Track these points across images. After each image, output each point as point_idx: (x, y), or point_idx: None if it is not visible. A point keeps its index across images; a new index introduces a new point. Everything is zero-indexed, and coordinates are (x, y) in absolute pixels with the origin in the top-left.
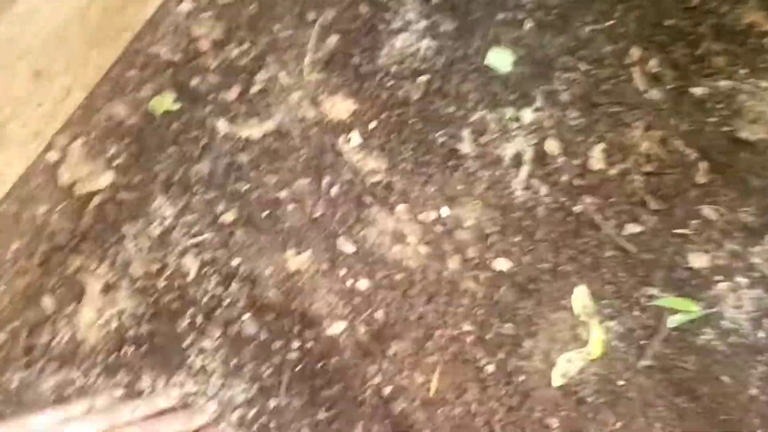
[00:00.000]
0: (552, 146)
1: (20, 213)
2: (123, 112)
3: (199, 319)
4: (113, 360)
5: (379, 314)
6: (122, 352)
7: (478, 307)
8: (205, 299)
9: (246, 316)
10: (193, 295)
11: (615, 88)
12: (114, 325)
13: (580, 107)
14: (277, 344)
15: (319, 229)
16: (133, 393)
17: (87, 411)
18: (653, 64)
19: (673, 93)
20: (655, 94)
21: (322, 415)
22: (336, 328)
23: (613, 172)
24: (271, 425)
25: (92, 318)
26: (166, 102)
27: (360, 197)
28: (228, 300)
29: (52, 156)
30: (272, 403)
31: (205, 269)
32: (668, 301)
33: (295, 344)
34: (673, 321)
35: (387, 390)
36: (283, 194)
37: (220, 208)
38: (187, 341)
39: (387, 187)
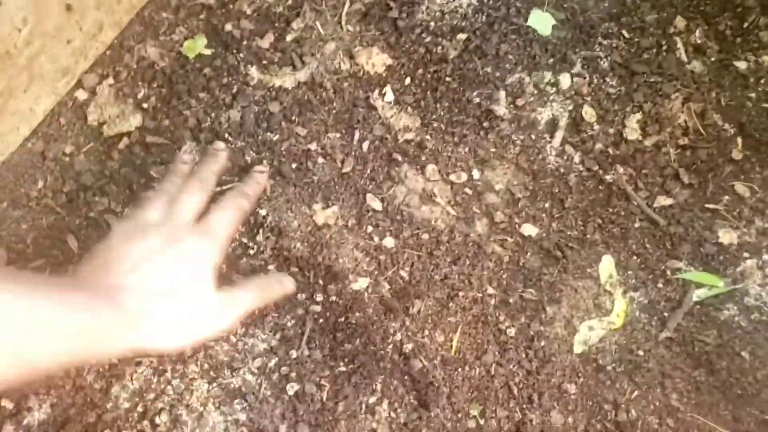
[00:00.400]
0: (588, 113)
1: (47, 151)
2: (154, 54)
3: (223, 268)
4: None
5: (404, 272)
6: None
7: (503, 270)
8: (229, 247)
9: (271, 267)
10: None
11: (656, 57)
12: None
13: (620, 75)
14: (301, 296)
15: (348, 184)
16: None
17: None
18: (697, 35)
19: (715, 66)
20: (697, 66)
21: (342, 368)
22: (360, 284)
23: (648, 143)
24: (292, 375)
25: None
26: (198, 46)
27: (391, 154)
28: (253, 250)
29: (81, 95)
30: (293, 354)
31: None
32: (694, 275)
33: (319, 297)
34: (697, 295)
35: (408, 347)
36: (313, 147)
37: (249, 157)
38: None
39: (419, 145)
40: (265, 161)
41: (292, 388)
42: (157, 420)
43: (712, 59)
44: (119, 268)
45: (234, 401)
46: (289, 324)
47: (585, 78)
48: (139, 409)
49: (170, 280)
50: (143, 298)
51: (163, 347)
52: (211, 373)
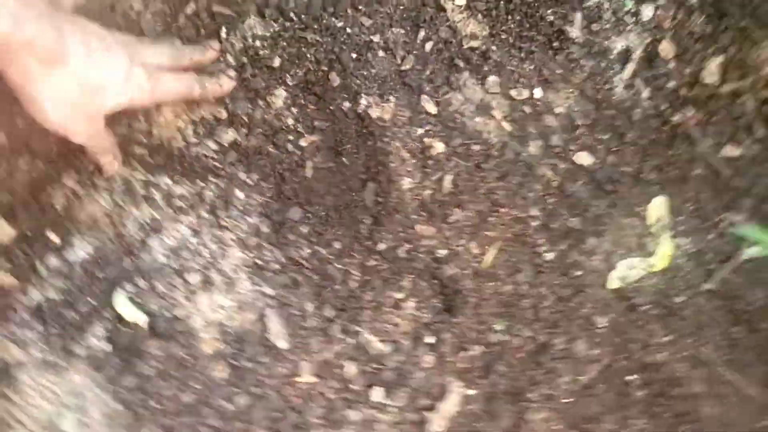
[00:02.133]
0: (666, 49)
1: (115, 4)
2: None
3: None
4: None
5: (448, 179)
6: None
7: (549, 195)
8: (281, 125)
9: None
10: (270, 122)
11: (752, 2)
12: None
13: (708, 14)
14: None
15: (405, 82)
16: None
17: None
18: None
19: None
20: None
21: (373, 262)
22: (404, 184)
23: (725, 89)
24: (325, 261)
25: (171, 119)
26: None
27: (453, 59)
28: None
29: None
30: (331, 243)
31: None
32: (751, 231)
33: (367, 193)
34: (749, 253)
35: (441, 252)
36: (375, 39)
37: (310, 39)
38: None
39: (483, 55)
40: (325, 46)
41: (324, 272)
42: (190, 279)
43: None
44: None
45: (266, 274)
46: (322, 211)
47: (669, 12)
48: (173, 265)
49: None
50: None
51: None
52: (248, 243)
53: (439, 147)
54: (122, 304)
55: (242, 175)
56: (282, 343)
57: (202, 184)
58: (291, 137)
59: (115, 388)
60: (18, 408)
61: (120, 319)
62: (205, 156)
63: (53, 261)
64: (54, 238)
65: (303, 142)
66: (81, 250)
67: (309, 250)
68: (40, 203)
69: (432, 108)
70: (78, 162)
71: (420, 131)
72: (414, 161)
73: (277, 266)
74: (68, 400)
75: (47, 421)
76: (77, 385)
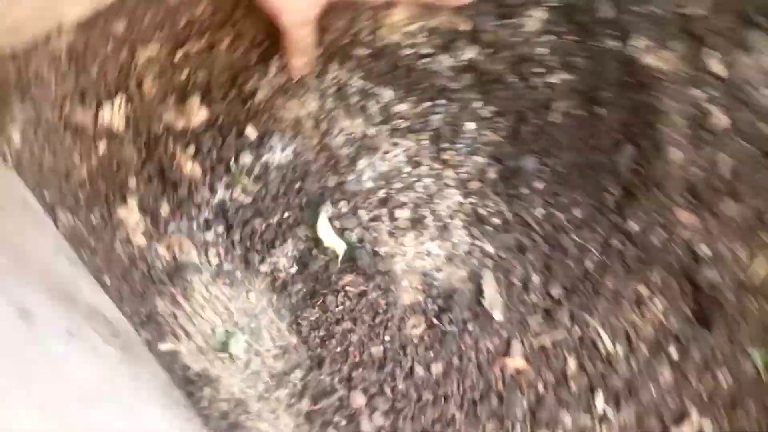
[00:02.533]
0: None
1: None
2: None
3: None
4: None
5: (726, 162)
6: None
7: None
8: (531, 53)
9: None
10: (518, 46)
11: None
12: None
13: None
14: None
15: (689, 30)
16: None
17: None
18: None
19: None
20: None
21: (616, 241)
22: (671, 155)
23: None
24: (563, 230)
25: (403, 22)
26: None
27: (747, 15)
28: None
29: None
30: (565, 199)
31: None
32: None
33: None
34: None
35: (703, 250)
36: None
37: None
38: None
39: None
40: None
41: (557, 242)
42: (397, 213)
43: None
44: None
45: (486, 228)
46: (561, 167)
47: None
48: (381, 193)
49: None
50: None
51: None
52: (470, 186)
53: (721, 120)
54: (323, 226)
55: (476, 104)
56: (497, 314)
57: (428, 105)
58: (540, 70)
59: (296, 317)
60: (186, 316)
61: (316, 241)
62: (437, 72)
63: (246, 158)
64: (250, 132)
65: (553, 79)
66: (279, 153)
67: (542, 211)
68: (240, 90)
69: (720, 70)
70: None
71: (700, 95)
72: (688, 131)
73: (500, 221)
74: (241, 320)
75: (214, 338)
76: (252, 304)
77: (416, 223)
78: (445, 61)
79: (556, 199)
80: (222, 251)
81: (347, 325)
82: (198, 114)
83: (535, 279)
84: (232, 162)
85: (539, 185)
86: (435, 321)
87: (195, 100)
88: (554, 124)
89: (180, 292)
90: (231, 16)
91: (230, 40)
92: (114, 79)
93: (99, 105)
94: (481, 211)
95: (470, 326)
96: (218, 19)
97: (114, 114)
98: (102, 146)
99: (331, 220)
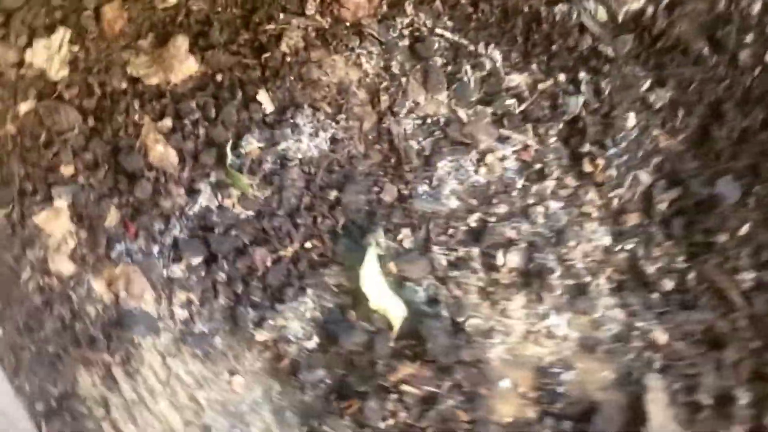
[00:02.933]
0: None
1: None
2: None
3: None
4: None
5: None
6: None
7: None
8: None
9: None
10: None
11: None
12: None
13: None
14: None
15: None
16: None
17: None
18: None
19: None
20: None
21: None
22: None
23: None
24: None
25: None
26: None
27: None
28: None
29: None
30: None
31: None
32: None
33: None
34: None
35: None
36: None
37: None
38: None
39: None
40: None
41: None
42: (500, 259)
43: None
44: None
45: (650, 294)
46: None
47: None
48: (473, 220)
49: None
50: None
51: None
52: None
53: None
54: (370, 271)
55: (642, 85)
56: None
57: (562, 79)
58: (752, 39)
59: (310, 430)
60: (125, 407)
61: (356, 297)
62: (580, 28)
63: (253, 142)
64: (265, 100)
65: None
66: (308, 138)
67: (751, 275)
68: (256, 33)
69: None
70: None
71: None
72: None
73: (676, 288)
74: (216, 423)
75: None
76: (238, 397)
77: (532, 278)
78: (596, 11)
79: None
80: (195, 298)
81: None
82: (185, 65)
83: (740, 395)
84: (229, 147)
85: (745, 229)
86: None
87: (182, 43)
88: None
89: (120, 363)
90: None
91: None
92: (58, 3)
93: (30, 40)
94: (646, 266)
95: None
96: None
97: (52, 56)
98: (26, 105)
99: (383, 260)
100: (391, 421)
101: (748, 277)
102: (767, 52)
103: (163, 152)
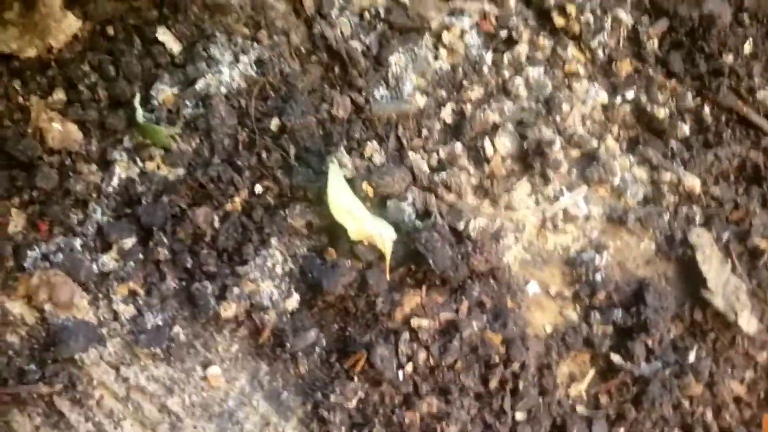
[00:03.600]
0: None
1: None
2: None
3: None
4: None
5: None
6: None
7: None
8: None
9: None
10: None
11: None
12: None
13: None
14: None
15: None
16: None
17: None
18: None
19: None
20: None
21: None
22: None
23: None
24: None
25: None
26: None
27: None
28: None
29: None
30: None
31: None
32: None
33: None
34: None
35: None
36: None
37: None
38: None
39: None
40: None
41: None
42: (488, 146)
43: None
44: None
45: (648, 133)
46: None
47: None
48: (447, 111)
49: None
50: None
51: None
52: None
53: None
54: (340, 195)
55: None
56: (744, 321)
57: None
58: None
59: (315, 406)
60: None
61: (331, 233)
62: None
63: (164, 89)
64: (167, 39)
65: None
66: (228, 68)
67: None
68: None
69: None
70: None
71: None
72: None
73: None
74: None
75: None
76: (218, 391)
77: (530, 158)
78: None
79: None
80: (139, 288)
81: (429, 404)
82: (64, 24)
83: None
84: (137, 102)
85: (748, 46)
86: (617, 360)
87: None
88: None
89: (62, 392)
90: None
91: None
92: None
93: None
94: (655, 113)
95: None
96: None
97: None
98: None
99: (354, 183)
100: (409, 368)
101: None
102: None
103: (61, 130)
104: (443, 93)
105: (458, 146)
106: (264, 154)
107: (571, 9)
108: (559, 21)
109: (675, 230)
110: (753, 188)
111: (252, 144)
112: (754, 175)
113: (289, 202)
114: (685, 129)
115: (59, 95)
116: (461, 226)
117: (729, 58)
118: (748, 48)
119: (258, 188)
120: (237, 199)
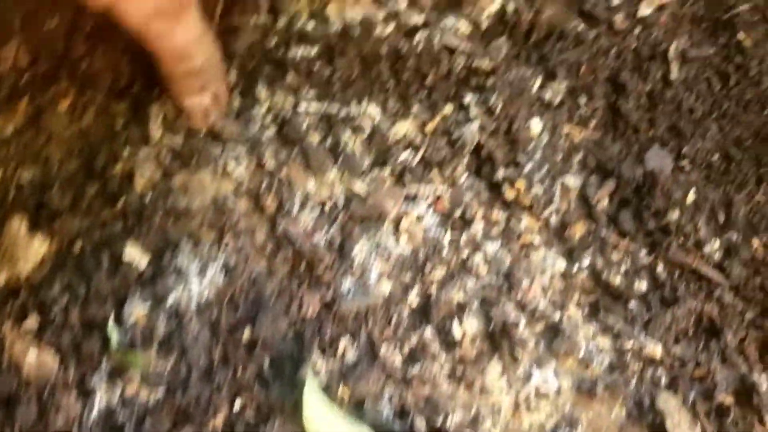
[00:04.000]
0: None
1: None
2: None
3: None
4: None
5: None
6: None
7: None
8: None
9: None
10: None
11: None
12: None
13: None
14: None
15: None
16: None
17: None
18: None
19: None
20: None
21: None
22: None
23: None
24: None
25: None
26: None
27: None
28: None
29: None
30: None
31: None
32: None
33: None
34: None
35: None
36: None
37: None
38: None
39: None
40: None
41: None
42: (456, 329)
43: None
44: None
45: (627, 305)
46: None
47: None
48: (412, 297)
49: None
50: None
51: None
52: (569, 238)
53: None
54: (316, 406)
55: (529, 80)
56: None
57: (449, 110)
58: None
59: None
60: None
61: None
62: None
63: (136, 308)
64: (133, 254)
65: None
66: (198, 280)
67: (717, 243)
68: (104, 180)
69: None
70: None
71: None
72: None
73: (649, 287)
74: None
75: None
76: None
77: (497, 338)
78: (457, 26)
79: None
80: None
81: None
82: (31, 249)
83: (759, 380)
84: (110, 325)
85: (692, 195)
86: None
87: (19, 225)
88: (681, 83)
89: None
90: (65, 55)
91: (71, 96)
92: None
93: None
94: (611, 276)
95: None
96: (43, 68)
97: None
98: None
99: (329, 388)
100: None
101: (714, 247)
102: (638, 9)
103: (37, 359)
104: (408, 277)
105: (428, 330)
106: (240, 369)
107: (520, 182)
108: (509, 194)
109: (643, 396)
110: (711, 343)
111: (226, 358)
112: (711, 328)
113: (268, 415)
114: (642, 287)
115: (31, 322)
116: (439, 422)
117: (674, 215)
118: (691, 197)
119: (237, 405)
120: (219, 416)
